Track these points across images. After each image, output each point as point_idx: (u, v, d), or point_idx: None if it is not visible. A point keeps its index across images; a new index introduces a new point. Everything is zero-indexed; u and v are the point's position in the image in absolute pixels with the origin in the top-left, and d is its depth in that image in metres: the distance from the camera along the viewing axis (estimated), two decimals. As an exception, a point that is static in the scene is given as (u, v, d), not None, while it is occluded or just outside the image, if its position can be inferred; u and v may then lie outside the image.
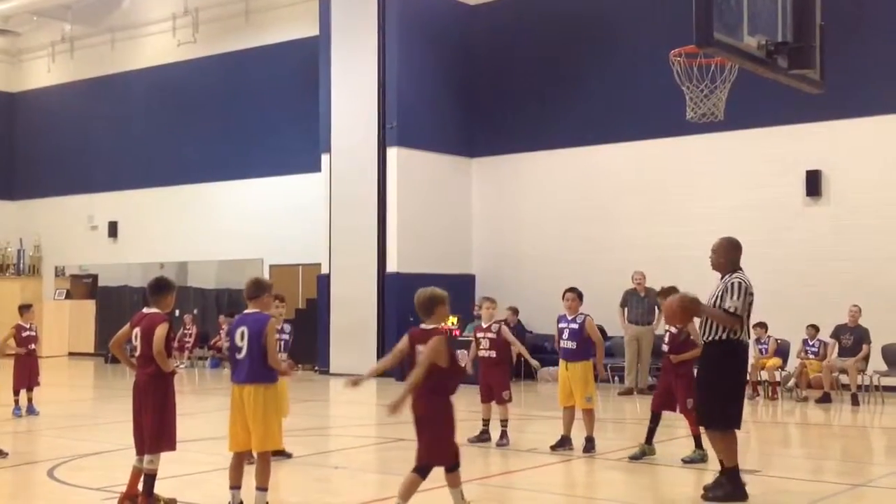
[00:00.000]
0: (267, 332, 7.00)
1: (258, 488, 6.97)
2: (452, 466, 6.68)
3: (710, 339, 7.81)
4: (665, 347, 9.87)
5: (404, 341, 6.75)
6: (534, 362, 11.96)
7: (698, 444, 9.52)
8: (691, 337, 9.53)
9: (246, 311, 7.24)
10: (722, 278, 7.92)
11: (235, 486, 7.04)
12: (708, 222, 18.10)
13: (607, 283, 17.23)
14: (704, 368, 8.00)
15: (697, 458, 9.48)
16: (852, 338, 15.20)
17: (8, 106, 29.16)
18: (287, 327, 9.91)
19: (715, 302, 7.77)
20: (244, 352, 7.02)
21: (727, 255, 7.97)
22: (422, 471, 6.56)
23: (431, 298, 6.68)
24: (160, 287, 7.57)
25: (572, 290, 10.39)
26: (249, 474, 7.03)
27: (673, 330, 9.74)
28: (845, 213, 16.91)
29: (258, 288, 7.31)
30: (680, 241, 18.24)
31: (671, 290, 9.83)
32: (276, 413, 7.19)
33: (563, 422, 10.35)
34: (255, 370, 6.97)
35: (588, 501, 8.52)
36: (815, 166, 17.16)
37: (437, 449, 6.58)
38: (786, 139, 17.49)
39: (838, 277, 16.73)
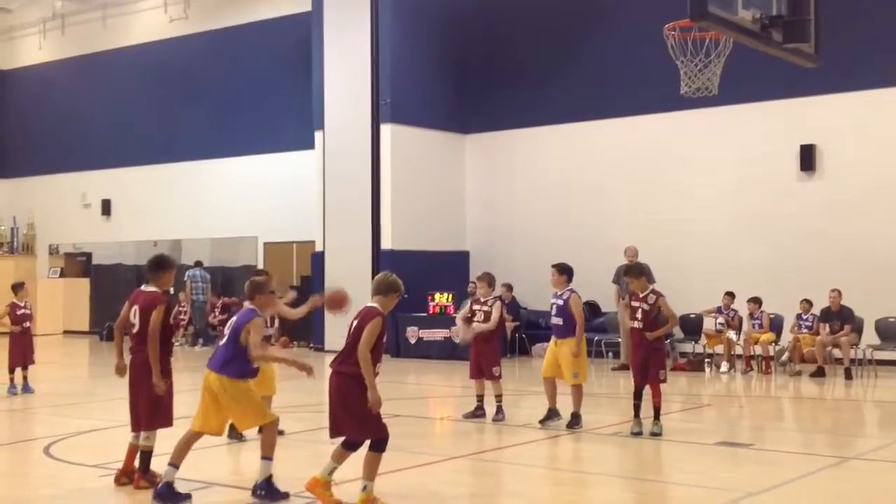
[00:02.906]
0: (246, 328, 6.87)
1: (263, 457, 6.96)
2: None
3: None
4: (637, 324, 9.68)
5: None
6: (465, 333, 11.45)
7: (657, 416, 9.66)
8: (663, 312, 9.63)
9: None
10: None
11: (173, 463, 6.91)
12: (702, 197, 18.15)
13: (601, 258, 17.23)
14: None
15: (658, 432, 9.62)
16: (839, 322, 15.24)
17: (-1, 83, 29.03)
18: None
19: None
20: (224, 340, 7.02)
21: None
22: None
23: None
24: (160, 265, 7.52)
25: (554, 265, 10.41)
26: (253, 450, 6.98)
27: (644, 306, 9.72)
28: (839, 187, 16.92)
29: (250, 290, 7.26)
30: (674, 216, 18.26)
31: (640, 267, 10.11)
32: (240, 403, 6.99)
33: (546, 394, 10.38)
34: (224, 361, 6.91)
35: (579, 475, 8.56)
36: (810, 141, 17.15)
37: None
38: (780, 114, 17.47)
39: (832, 252, 16.76)
